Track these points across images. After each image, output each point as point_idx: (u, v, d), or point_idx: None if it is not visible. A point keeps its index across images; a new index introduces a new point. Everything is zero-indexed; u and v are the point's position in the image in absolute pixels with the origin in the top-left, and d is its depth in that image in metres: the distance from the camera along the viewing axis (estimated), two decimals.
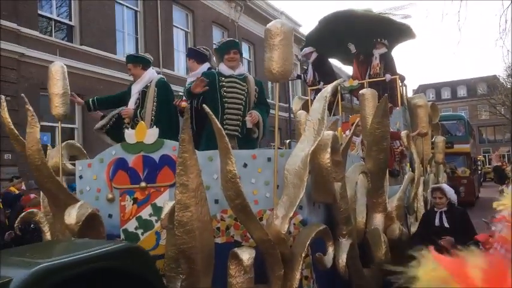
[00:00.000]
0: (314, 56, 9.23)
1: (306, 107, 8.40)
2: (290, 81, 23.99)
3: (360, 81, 8.73)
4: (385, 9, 10.00)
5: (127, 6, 15.00)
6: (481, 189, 22.50)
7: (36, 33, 11.75)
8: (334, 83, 4.03)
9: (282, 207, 3.40)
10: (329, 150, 3.61)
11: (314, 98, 7.22)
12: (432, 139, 9.05)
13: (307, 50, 9.43)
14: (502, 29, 9.73)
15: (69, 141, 4.76)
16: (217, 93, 4.38)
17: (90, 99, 5.04)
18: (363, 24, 9.08)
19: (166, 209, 3.16)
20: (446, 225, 4.97)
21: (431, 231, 4.89)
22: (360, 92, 5.55)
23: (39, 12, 12.12)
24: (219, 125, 3.12)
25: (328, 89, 3.88)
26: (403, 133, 7.00)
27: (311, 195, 3.78)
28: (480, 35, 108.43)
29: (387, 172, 5.28)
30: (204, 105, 3.19)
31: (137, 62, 4.80)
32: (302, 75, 10.11)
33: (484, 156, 43.08)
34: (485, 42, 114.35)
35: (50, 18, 12.59)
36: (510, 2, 9.08)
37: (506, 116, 38.48)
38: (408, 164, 7.26)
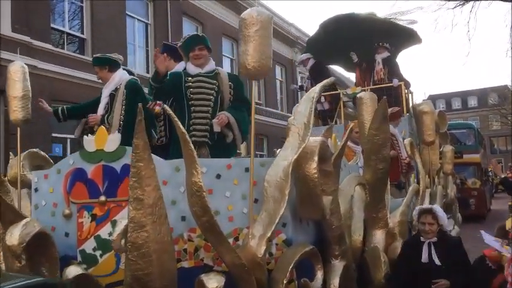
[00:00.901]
0: (311, 62, 8.86)
1: None
2: (299, 92, 23.49)
3: (363, 88, 8.27)
4: (389, 14, 9.61)
5: (138, 19, 14.98)
6: (492, 201, 21.79)
7: (48, 46, 11.63)
8: (323, 82, 3.55)
9: (259, 225, 2.93)
10: (316, 158, 3.13)
11: None
12: (440, 148, 8.53)
13: (304, 56, 9.12)
14: None
15: (32, 149, 4.30)
16: (183, 96, 3.90)
17: (59, 108, 4.56)
18: (365, 28, 8.65)
19: (119, 228, 2.69)
20: (437, 262, 3.82)
21: (417, 271, 3.83)
22: (358, 95, 5.05)
23: (52, 25, 12.07)
24: (182, 128, 2.69)
25: (315, 89, 3.41)
26: (407, 141, 6.49)
27: (297, 210, 3.29)
28: (491, 45, 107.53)
29: (388, 184, 4.76)
30: (165, 105, 2.75)
31: (103, 63, 4.34)
32: (304, 84, 9.75)
33: None
34: (496, 52, 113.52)
35: (63, 31, 12.55)
36: None
37: None
38: (413, 175, 6.75)
